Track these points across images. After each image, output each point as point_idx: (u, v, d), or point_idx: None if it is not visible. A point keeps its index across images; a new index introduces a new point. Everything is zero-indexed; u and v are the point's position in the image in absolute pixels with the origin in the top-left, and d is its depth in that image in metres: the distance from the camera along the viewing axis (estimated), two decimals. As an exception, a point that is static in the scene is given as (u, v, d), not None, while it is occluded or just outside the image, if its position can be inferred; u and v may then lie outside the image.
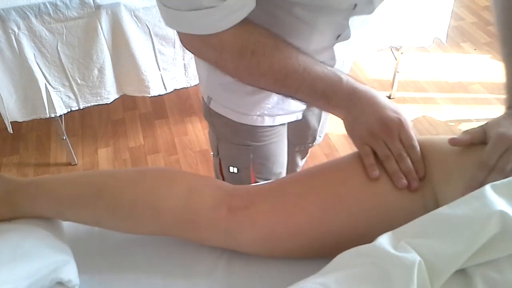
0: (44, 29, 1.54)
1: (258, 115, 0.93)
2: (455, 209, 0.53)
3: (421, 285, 0.48)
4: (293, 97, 0.74)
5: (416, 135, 0.69)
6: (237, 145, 1.00)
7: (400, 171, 0.66)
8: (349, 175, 0.67)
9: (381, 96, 0.72)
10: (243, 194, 0.69)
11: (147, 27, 1.66)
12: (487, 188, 0.52)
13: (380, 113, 0.70)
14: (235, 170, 1.04)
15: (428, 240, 0.52)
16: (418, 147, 0.68)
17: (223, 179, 1.08)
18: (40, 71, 1.63)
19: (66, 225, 0.73)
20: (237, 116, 0.93)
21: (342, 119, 0.74)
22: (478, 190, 0.53)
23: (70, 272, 0.63)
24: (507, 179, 0.54)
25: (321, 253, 0.65)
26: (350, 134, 0.73)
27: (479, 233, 0.48)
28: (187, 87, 1.90)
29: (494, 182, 0.53)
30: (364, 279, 0.51)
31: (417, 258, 0.49)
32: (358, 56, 2.57)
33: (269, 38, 0.69)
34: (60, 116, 1.78)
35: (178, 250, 0.73)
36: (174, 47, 1.75)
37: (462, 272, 0.50)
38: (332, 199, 0.66)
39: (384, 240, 0.54)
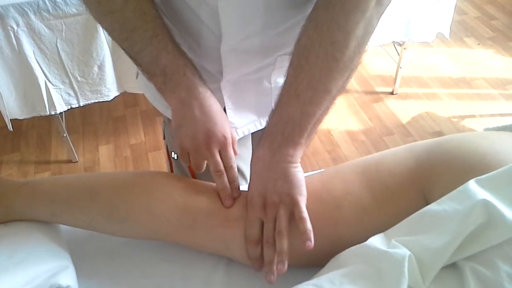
0: (43, 26, 1.53)
1: None
2: (442, 205, 0.53)
3: (412, 279, 0.49)
4: (135, 59, 0.71)
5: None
6: None
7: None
8: (347, 200, 0.65)
9: (217, 109, 0.72)
10: (241, 202, 0.68)
11: (147, 23, 1.64)
12: (471, 182, 0.53)
13: (208, 127, 0.69)
14: (175, 156, 1.01)
15: (417, 236, 0.53)
16: (236, 168, 0.70)
17: (170, 163, 1.06)
18: (39, 68, 1.61)
19: (64, 229, 0.72)
20: (162, 109, 0.92)
21: (172, 110, 0.72)
22: (463, 185, 0.53)
23: (69, 277, 0.62)
24: (492, 172, 0.53)
25: (319, 262, 0.63)
26: (174, 133, 0.72)
27: (464, 223, 0.49)
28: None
29: (478, 177, 0.53)
30: (356, 276, 0.52)
31: (407, 252, 0.50)
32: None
33: None
34: (61, 113, 1.78)
35: (177, 254, 0.72)
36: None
37: (453, 266, 0.51)
38: (327, 225, 0.64)
39: (375, 240, 0.56)
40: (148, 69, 0.71)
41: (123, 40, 0.69)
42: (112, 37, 0.70)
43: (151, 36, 0.68)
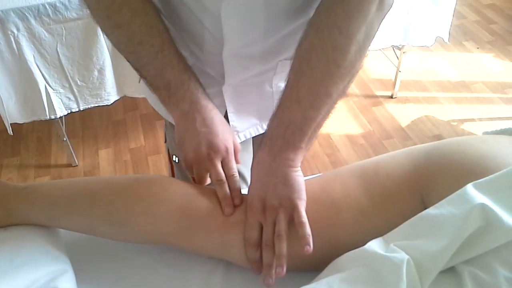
0: (43, 30, 1.53)
1: None
2: (440, 209, 0.53)
3: (411, 283, 0.49)
4: (140, 72, 0.72)
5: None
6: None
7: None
8: (345, 203, 0.65)
9: (219, 120, 0.73)
10: (241, 205, 0.68)
11: (147, 27, 1.64)
12: (469, 186, 0.53)
13: (210, 139, 0.70)
14: (177, 159, 1.01)
15: (415, 241, 0.53)
16: (237, 177, 0.71)
17: (171, 166, 1.07)
18: (39, 72, 1.62)
19: (64, 233, 0.72)
20: (164, 113, 0.91)
21: (175, 123, 0.74)
22: (461, 189, 0.53)
23: (68, 281, 0.62)
24: (490, 176, 0.53)
25: (317, 266, 0.63)
26: (178, 146, 0.74)
27: (462, 226, 0.49)
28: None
29: (476, 181, 0.53)
30: (355, 280, 0.52)
31: (405, 256, 0.50)
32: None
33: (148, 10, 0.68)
34: (61, 117, 1.78)
35: (177, 257, 0.72)
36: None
37: (451, 270, 0.51)
38: (325, 227, 0.64)
39: (374, 244, 0.56)
40: (152, 82, 0.72)
41: (130, 53, 0.70)
42: (118, 50, 0.72)
43: (157, 51, 0.69)
